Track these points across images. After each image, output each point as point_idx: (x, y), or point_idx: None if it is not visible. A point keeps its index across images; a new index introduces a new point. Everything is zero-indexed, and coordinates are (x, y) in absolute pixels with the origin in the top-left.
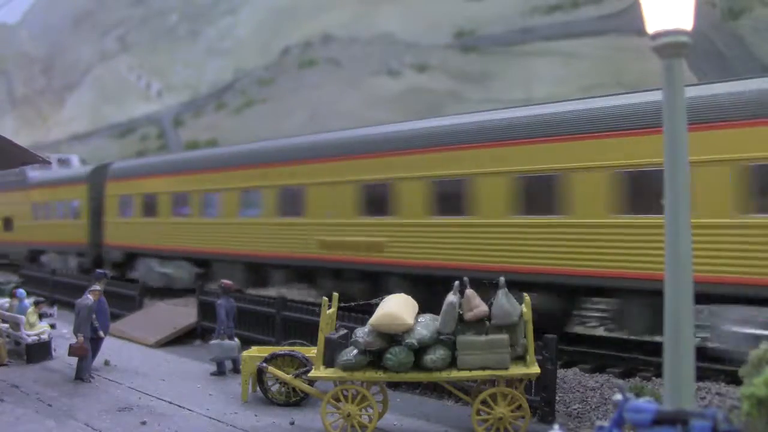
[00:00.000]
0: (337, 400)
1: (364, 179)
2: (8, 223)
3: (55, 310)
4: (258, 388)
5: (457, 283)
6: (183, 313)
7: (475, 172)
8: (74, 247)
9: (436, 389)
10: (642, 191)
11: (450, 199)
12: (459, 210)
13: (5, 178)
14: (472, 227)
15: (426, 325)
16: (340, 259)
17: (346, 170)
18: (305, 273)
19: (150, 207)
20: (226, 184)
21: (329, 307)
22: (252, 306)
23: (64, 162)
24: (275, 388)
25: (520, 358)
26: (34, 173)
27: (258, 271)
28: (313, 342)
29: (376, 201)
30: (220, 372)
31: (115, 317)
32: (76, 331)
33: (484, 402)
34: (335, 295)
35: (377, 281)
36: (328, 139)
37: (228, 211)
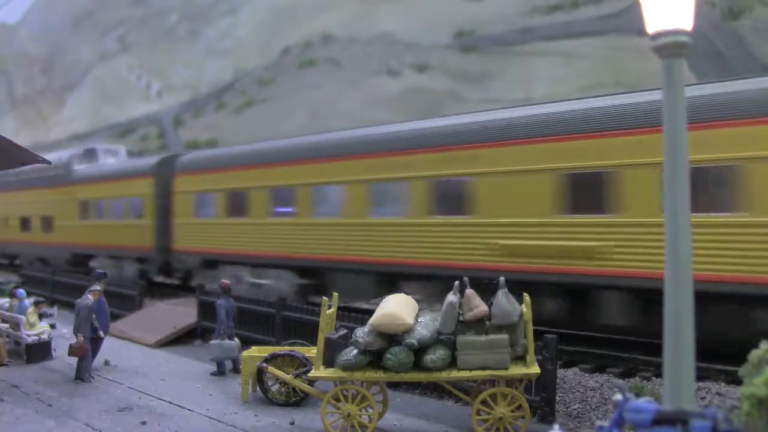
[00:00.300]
0: (337, 400)
1: (569, 167)
2: (47, 223)
3: (55, 310)
4: (258, 388)
5: (457, 283)
6: (183, 313)
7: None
8: (134, 252)
9: (436, 389)
10: None
11: (714, 190)
12: (728, 206)
13: (45, 172)
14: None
15: (426, 325)
16: (529, 269)
17: (541, 156)
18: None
19: (238, 205)
20: (351, 175)
21: (329, 307)
22: (252, 306)
23: (113, 153)
24: (275, 388)
25: (520, 358)
26: (80, 166)
27: (393, 282)
28: (313, 342)
29: (587, 195)
30: (220, 372)
31: (115, 317)
32: (76, 331)
33: (484, 402)
34: (335, 295)
35: (584, 297)
36: (507, 118)
37: (353, 210)
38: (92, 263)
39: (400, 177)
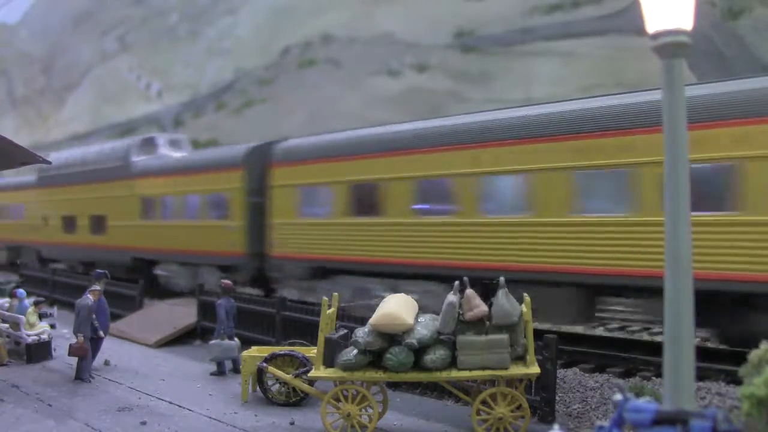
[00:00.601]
0: (337, 400)
1: None
2: (98, 224)
3: (55, 310)
4: (258, 388)
5: (457, 283)
6: (183, 313)
7: None
8: (216, 258)
9: (436, 389)
10: None
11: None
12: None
13: (95, 165)
14: None
15: (426, 325)
16: None
17: None
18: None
19: (366, 201)
20: (544, 162)
21: (329, 307)
22: (252, 306)
23: (176, 143)
24: (275, 388)
25: (520, 358)
26: (140, 158)
27: (595, 297)
28: (313, 342)
29: None
30: (220, 372)
31: (115, 317)
32: (76, 331)
33: (484, 402)
34: (335, 295)
35: None
36: None
37: (547, 206)
38: (158, 270)
39: (621, 163)
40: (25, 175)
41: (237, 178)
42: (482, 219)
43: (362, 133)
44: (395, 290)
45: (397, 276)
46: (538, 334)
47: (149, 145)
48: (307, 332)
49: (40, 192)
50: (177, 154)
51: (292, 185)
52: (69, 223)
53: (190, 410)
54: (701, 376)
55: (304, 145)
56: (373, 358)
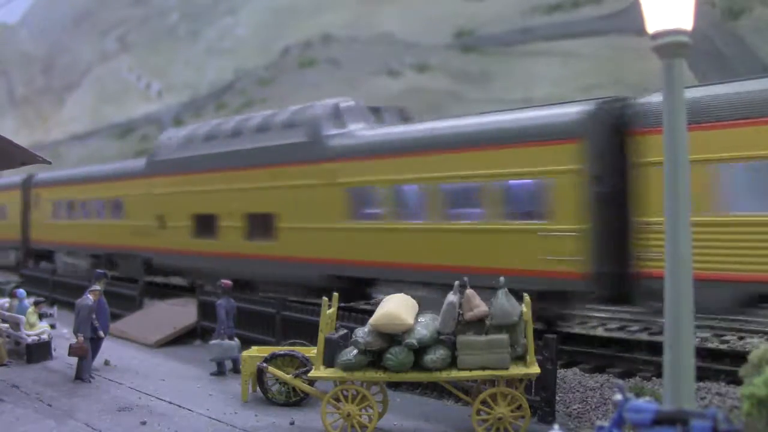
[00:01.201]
0: (337, 400)
1: None
2: (261, 225)
3: (55, 310)
4: (258, 388)
5: (457, 283)
6: (183, 313)
7: None
8: (521, 280)
9: (436, 389)
10: None
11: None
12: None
13: (255, 143)
14: None
15: (426, 325)
16: None
17: None
18: None
19: None
20: None
21: (329, 307)
22: (252, 306)
23: (378, 113)
24: (275, 388)
25: (520, 358)
26: (336, 131)
27: None
28: (313, 342)
29: None
30: (220, 372)
31: (115, 317)
32: (76, 331)
33: (484, 402)
34: (335, 294)
35: None
36: None
37: None
38: (379, 295)
39: None
40: (124, 161)
41: (568, 155)
42: None
43: None
44: None
45: None
46: (538, 334)
47: (338, 116)
48: (307, 332)
49: (152, 182)
50: (403, 127)
51: (698, 161)
52: (204, 224)
53: (189, 410)
54: (701, 376)
55: (726, 94)
56: (373, 358)
